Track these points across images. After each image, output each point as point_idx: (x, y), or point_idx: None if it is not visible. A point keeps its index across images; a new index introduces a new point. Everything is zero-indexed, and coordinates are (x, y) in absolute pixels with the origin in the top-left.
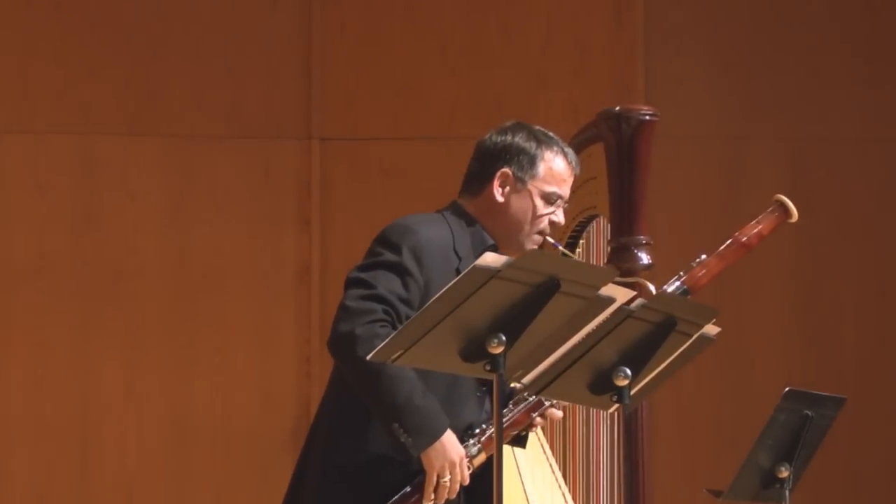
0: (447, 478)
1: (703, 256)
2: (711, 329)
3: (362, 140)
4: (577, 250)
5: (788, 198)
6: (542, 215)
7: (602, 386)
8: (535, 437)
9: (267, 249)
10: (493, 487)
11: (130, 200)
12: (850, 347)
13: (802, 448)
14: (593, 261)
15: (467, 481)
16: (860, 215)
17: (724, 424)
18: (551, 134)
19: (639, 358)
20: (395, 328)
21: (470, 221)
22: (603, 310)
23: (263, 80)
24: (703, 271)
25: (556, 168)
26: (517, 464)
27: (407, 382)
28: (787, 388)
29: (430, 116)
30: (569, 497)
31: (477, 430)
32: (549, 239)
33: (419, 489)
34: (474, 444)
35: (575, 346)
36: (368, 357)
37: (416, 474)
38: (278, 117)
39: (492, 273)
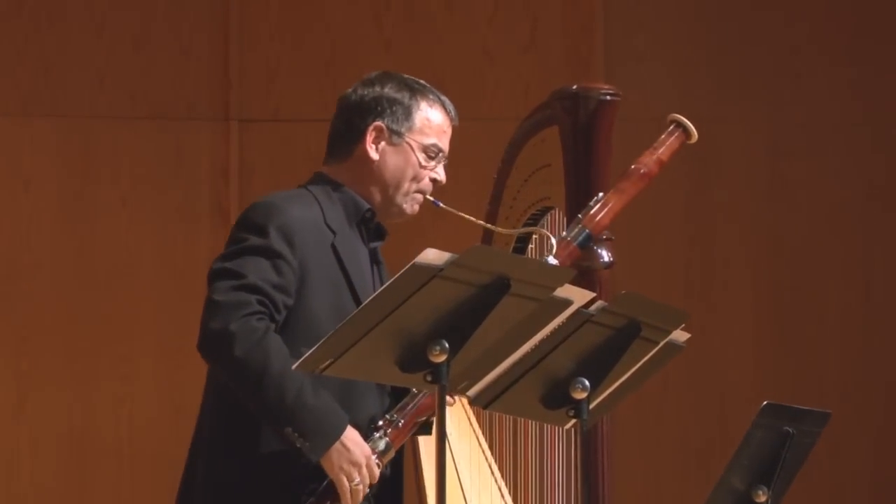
0: (357, 480)
1: (601, 194)
2: (680, 335)
3: (286, 122)
4: (530, 246)
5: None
6: (423, 168)
7: (557, 399)
8: (477, 447)
9: (179, 244)
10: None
11: (24, 189)
12: (834, 356)
13: (782, 469)
14: None
15: (376, 479)
16: (844, 208)
17: (693, 443)
18: (424, 82)
19: (598, 367)
20: (272, 320)
21: (337, 188)
22: (558, 313)
23: (174, 53)
24: (604, 210)
25: (433, 118)
26: (457, 469)
27: (295, 379)
28: (764, 402)
29: None
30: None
31: (381, 422)
32: (430, 197)
33: (322, 501)
34: (380, 438)
35: (527, 355)
36: (296, 366)
37: (314, 482)
38: (191, 96)
39: (433, 272)
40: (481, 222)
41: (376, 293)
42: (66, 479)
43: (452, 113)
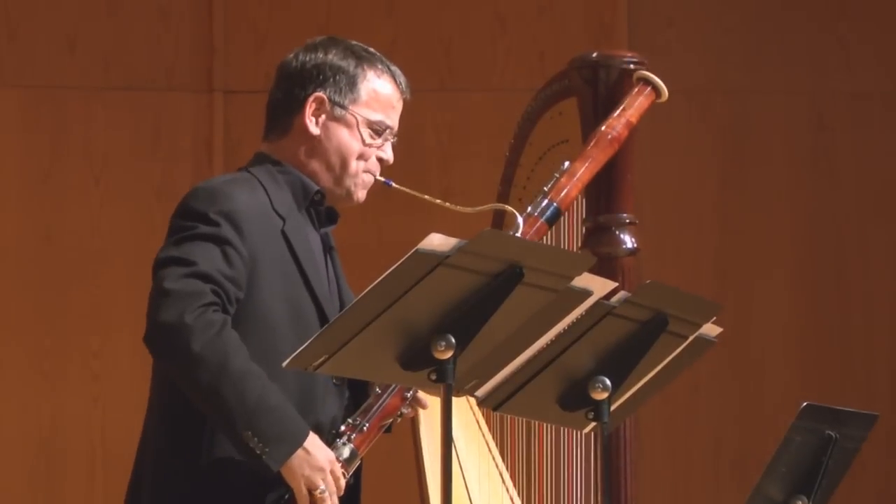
0: (321, 488)
1: (567, 163)
2: (711, 329)
3: None
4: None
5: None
6: (369, 146)
7: (575, 400)
8: (487, 453)
9: (157, 228)
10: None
11: None
12: (883, 351)
13: (824, 477)
14: (565, 244)
15: (342, 491)
16: (894, 186)
17: (726, 448)
18: (373, 50)
19: (621, 365)
20: (226, 313)
21: (283, 170)
22: (576, 305)
23: (152, 16)
24: (572, 181)
25: (381, 90)
26: (464, 477)
27: (256, 379)
28: (804, 403)
29: None
30: None
31: (343, 427)
32: (381, 178)
33: None
34: (344, 445)
35: (541, 351)
36: (287, 363)
37: (272, 491)
38: (171, 64)
39: (438, 259)
40: (438, 200)
41: (375, 283)
42: (33, 489)
43: (403, 85)
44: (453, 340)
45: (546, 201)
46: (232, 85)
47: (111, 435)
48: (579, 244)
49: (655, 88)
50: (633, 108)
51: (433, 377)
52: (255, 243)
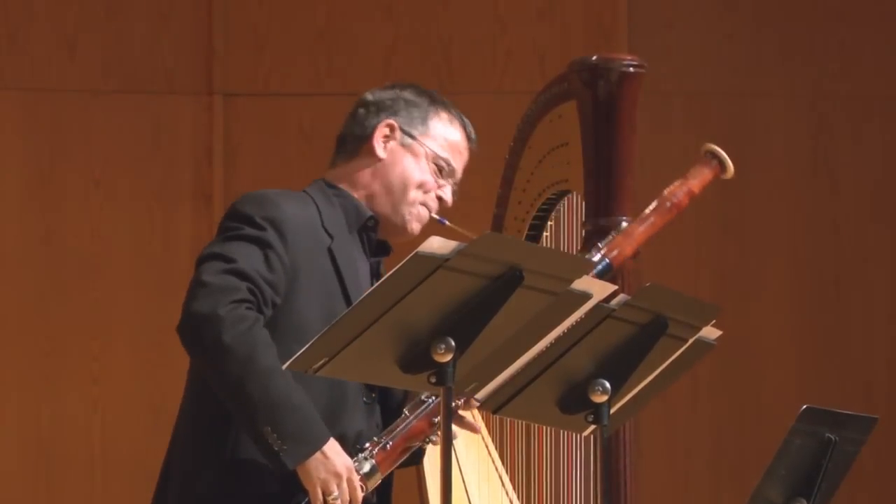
0: (335, 494)
1: (624, 224)
2: (711, 332)
3: (276, 96)
4: (544, 234)
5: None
6: (430, 180)
7: (575, 403)
8: (487, 455)
9: (157, 232)
10: None
11: None
12: (882, 354)
13: (823, 480)
14: (565, 247)
15: (357, 502)
16: (894, 189)
17: (726, 451)
18: (447, 100)
19: (620, 368)
20: (261, 312)
21: (339, 193)
22: (576, 308)
23: (151, 19)
24: (627, 241)
25: (450, 135)
26: (464, 480)
27: (282, 377)
28: (804, 406)
29: (359, 67)
30: None
31: (367, 444)
32: (435, 216)
33: None
34: (365, 459)
35: (541, 354)
36: (287, 365)
37: (295, 496)
38: (171, 67)
39: (438, 262)
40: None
41: (375, 286)
42: (33, 492)
43: (473, 136)
44: (453, 343)
45: (599, 255)
46: (232, 88)
47: (110, 438)
48: (579, 247)
49: (721, 163)
50: (696, 178)
51: (433, 380)
52: (298, 254)
